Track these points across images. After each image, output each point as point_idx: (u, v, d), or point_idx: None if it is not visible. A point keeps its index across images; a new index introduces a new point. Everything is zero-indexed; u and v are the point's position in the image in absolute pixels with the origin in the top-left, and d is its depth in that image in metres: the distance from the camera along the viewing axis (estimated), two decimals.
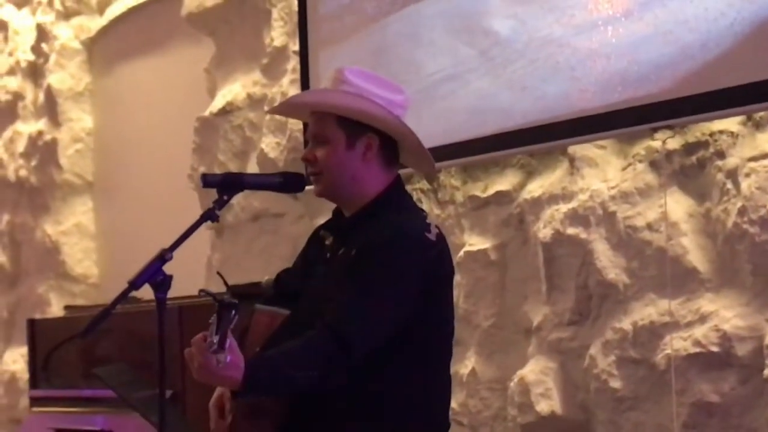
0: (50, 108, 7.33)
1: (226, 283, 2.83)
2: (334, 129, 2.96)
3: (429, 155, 3.05)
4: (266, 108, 5.52)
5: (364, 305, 2.80)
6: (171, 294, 2.81)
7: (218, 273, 2.94)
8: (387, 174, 3.01)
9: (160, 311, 2.75)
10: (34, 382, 5.17)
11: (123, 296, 2.75)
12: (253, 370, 2.69)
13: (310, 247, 3.16)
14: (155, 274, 2.73)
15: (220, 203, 2.90)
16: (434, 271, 2.92)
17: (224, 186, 2.93)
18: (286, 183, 3.03)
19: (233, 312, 2.57)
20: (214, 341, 2.58)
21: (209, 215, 2.86)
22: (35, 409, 5.13)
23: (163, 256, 2.76)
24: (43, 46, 7.44)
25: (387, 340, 2.83)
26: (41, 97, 7.46)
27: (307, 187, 3.09)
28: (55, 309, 7.00)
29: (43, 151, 7.36)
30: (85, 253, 7.26)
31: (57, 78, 7.31)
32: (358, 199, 2.99)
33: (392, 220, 2.92)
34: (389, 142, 3.00)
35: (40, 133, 7.41)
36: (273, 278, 3.30)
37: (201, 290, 2.77)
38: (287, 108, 3.22)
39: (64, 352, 4.92)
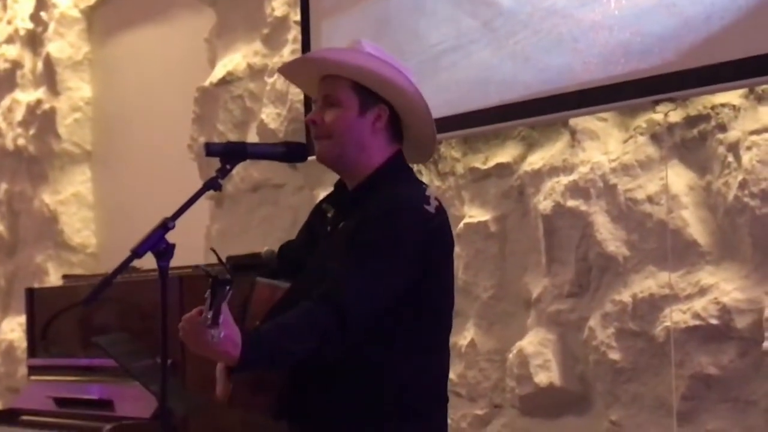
0: (49, 77, 7.31)
1: (220, 260, 2.81)
2: (349, 93, 2.93)
3: (435, 135, 3.03)
4: (267, 79, 5.52)
5: (361, 277, 2.79)
6: (170, 263, 2.80)
7: (212, 249, 2.92)
8: (390, 147, 2.99)
9: (162, 280, 2.74)
10: (32, 351, 5.17)
11: (126, 264, 2.73)
12: (251, 345, 2.68)
13: (313, 220, 3.14)
14: (158, 242, 2.72)
15: (223, 172, 2.88)
16: (433, 243, 2.90)
17: (227, 155, 2.90)
18: (289, 152, 3.01)
19: (227, 288, 2.56)
20: (209, 317, 2.57)
21: (212, 184, 2.85)
22: (33, 377, 5.14)
23: (166, 225, 2.74)
24: (42, 14, 7.41)
25: (386, 311, 2.82)
26: (40, 65, 7.43)
27: (309, 158, 3.08)
28: (53, 278, 7.00)
29: (41, 120, 7.34)
30: (83, 222, 7.25)
31: (56, 47, 7.28)
32: (360, 169, 2.96)
33: (391, 192, 2.90)
34: (396, 119, 2.98)
35: (38, 102, 7.39)
36: (272, 249, 3.28)
37: (195, 266, 2.77)
38: (301, 67, 3.11)
39: (63, 321, 4.93)
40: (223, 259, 2.77)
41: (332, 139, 2.94)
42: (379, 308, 2.82)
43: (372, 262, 2.82)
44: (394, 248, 2.84)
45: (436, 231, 2.93)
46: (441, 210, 2.95)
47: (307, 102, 5.04)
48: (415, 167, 3.19)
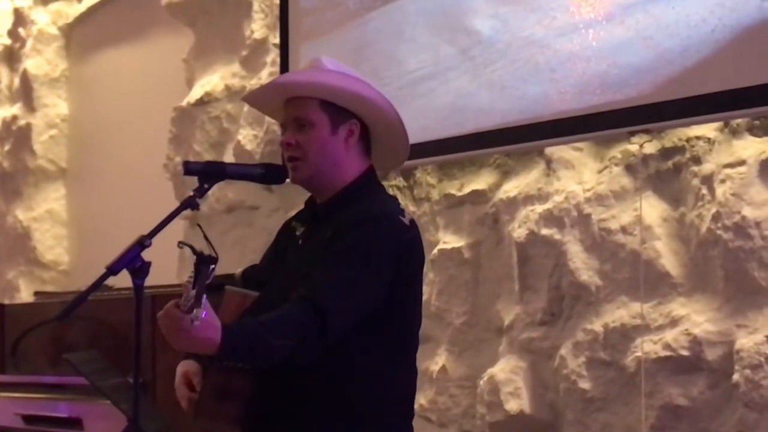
0: (26, 93, 7.31)
1: (206, 237, 2.78)
2: (318, 112, 2.94)
3: (405, 134, 3.03)
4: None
5: (341, 281, 2.79)
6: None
7: (198, 225, 2.91)
8: (363, 162, 3.01)
9: (137, 298, 2.73)
10: (1, 368, 5.14)
11: (101, 281, 2.72)
12: (231, 332, 2.66)
13: (280, 238, 3.16)
14: (134, 260, 2.70)
15: (201, 191, 2.88)
16: (408, 254, 2.92)
17: (206, 174, 2.90)
18: (268, 174, 3.01)
19: (212, 267, 2.52)
20: (191, 296, 2.53)
21: (190, 203, 2.84)
22: (2, 394, 5.10)
23: (142, 242, 2.72)
24: (21, 30, 7.41)
25: (363, 316, 2.83)
26: (17, 81, 7.43)
27: (287, 179, 3.08)
28: (24, 295, 6.97)
29: (17, 136, 7.34)
30: (56, 239, 7.23)
31: (33, 63, 7.29)
32: (334, 184, 2.98)
33: (367, 204, 2.92)
34: (366, 131, 3.00)
35: (14, 118, 7.39)
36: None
37: (180, 242, 2.73)
38: (266, 93, 3.10)
39: (33, 338, 4.91)
40: (197, 249, 2.71)
41: (307, 159, 2.95)
42: (359, 312, 2.83)
43: (352, 268, 2.82)
44: (373, 255, 2.85)
45: (411, 243, 2.95)
46: (414, 224, 2.99)
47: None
48: (390, 192, 3.20)
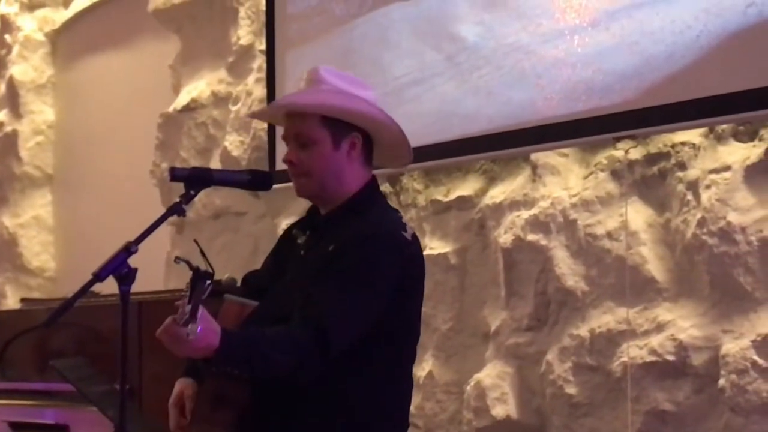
0: (12, 99, 7.29)
1: (202, 252, 2.78)
2: (319, 129, 2.94)
3: (408, 144, 3.05)
4: (231, 106, 5.53)
5: (344, 301, 2.79)
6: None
7: (195, 241, 2.91)
8: (366, 172, 3.01)
9: (123, 304, 2.73)
10: None
11: (87, 287, 2.72)
12: (230, 338, 2.67)
13: (281, 246, 3.15)
14: (120, 266, 2.70)
15: (187, 197, 2.87)
16: (410, 269, 2.93)
17: (192, 180, 2.90)
18: (254, 180, 3.01)
19: (207, 282, 2.53)
20: (186, 311, 2.54)
21: (176, 209, 2.84)
22: None
23: (129, 249, 2.72)
24: (7, 37, 7.40)
25: (364, 333, 2.83)
26: (3, 88, 7.42)
27: (274, 186, 3.08)
28: (11, 302, 6.95)
29: (3, 143, 7.32)
30: (42, 246, 7.22)
31: (20, 69, 7.27)
32: (338, 196, 2.98)
33: (370, 217, 2.92)
34: (368, 140, 3.00)
35: (0, 125, 7.37)
36: (233, 276, 3.28)
37: (177, 257, 2.73)
38: (269, 111, 3.13)
39: (20, 344, 4.89)
40: (193, 264, 2.72)
41: (311, 176, 2.95)
42: (360, 333, 2.83)
43: (354, 286, 2.82)
44: (374, 274, 2.85)
45: (412, 258, 2.95)
46: (416, 238, 2.98)
47: (271, 131, 5.07)
48: None
